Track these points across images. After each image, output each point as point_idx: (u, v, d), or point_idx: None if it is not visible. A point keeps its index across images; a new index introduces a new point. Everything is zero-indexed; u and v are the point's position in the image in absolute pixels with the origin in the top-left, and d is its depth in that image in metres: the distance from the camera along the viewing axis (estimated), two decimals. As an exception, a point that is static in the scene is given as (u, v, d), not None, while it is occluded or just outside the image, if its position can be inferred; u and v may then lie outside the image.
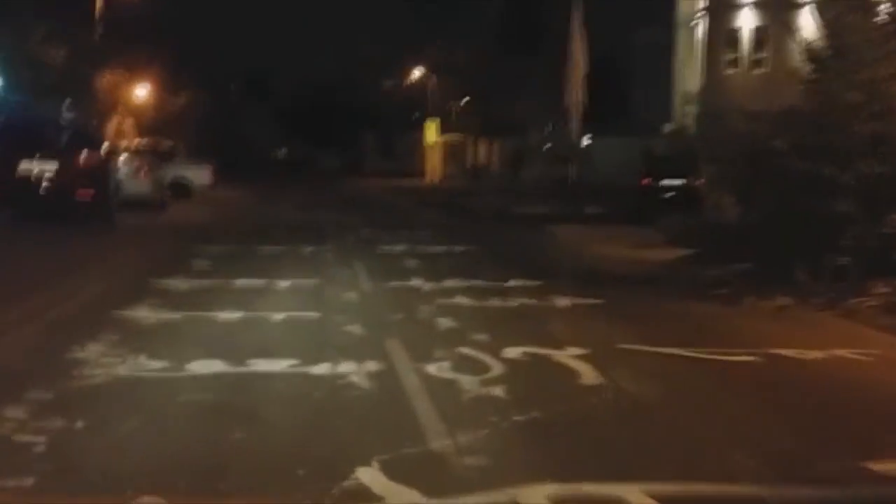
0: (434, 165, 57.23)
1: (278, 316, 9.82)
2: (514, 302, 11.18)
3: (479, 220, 26.42)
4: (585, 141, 52.63)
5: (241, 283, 12.17)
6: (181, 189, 31.04)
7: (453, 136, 57.53)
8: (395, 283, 12.52)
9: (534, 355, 8.13)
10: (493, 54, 59.32)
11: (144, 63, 34.84)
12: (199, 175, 31.96)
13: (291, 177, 57.08)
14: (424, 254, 16.36)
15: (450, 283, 12.58)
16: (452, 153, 56.64)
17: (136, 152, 26.11)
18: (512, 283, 12.67)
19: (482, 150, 53.25)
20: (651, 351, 8.46)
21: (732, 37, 55.18)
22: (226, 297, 11.00)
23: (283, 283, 12.17)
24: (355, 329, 9.21)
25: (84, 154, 19.37)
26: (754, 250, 13.69)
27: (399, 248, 17.22)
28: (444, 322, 9.72)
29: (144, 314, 9.75)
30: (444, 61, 61.14)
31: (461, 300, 11.20)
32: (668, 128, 59.67)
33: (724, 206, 16.80)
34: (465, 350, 8.24)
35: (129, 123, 43.35)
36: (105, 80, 30.93)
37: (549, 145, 54.80)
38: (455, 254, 16.75)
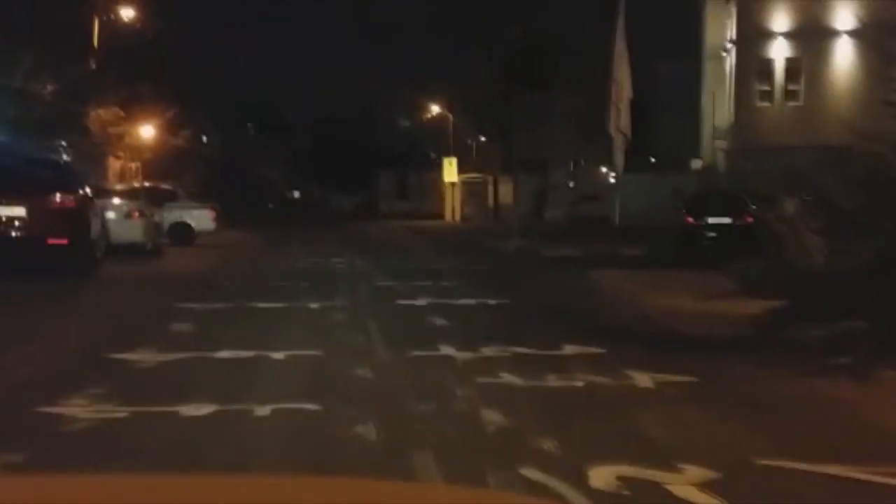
0: (453, 205, 54.69)
1: (262, 410, 7.16)
2: (579, 380, 8.48)
3: (508, 265, 23.76)
4: (611, 178, 50.13)
5: (224, 355, 9.52)
6: (181, 234, 28.56)
7: (472, 175, 55.08)
8: (419, 353, 9.84)
9: (637, 483, 5.43)
10: (508, 90, 57.14)
11: (142, 100, 32.46)
12: (201, 218, 29.43)
13: (303, 219, 54.67)
14: (452, 309, 13.70)
15: (489, 350, 9.91)
16: (471, 192, 54.12)
17: (127, 193, 23.60)
18: (568, 349, 9.98)
19: (503, 188, 50.72)
20: (808, 471, 5.73)
21: (765, 68, 52.63)
22: (199, 380, 8.36)
23: (278, 356, 9.51)
24: (369, 433, 6.53)
25: (58, 196, 16.83)
26: (864, 302, 10.99)
27: (421, 301, 14.56)
28: (492, 417, 7.02)
29: (76, 411, 7.08)
30: (461, 97, 58.90)
31: (508, 378, 8.52)
32: (696, 164, 57.07)
33: (808, 248, 14.09)
34: (531, 473, 5.56)
35: (134, 165, 41.17)
36: (97, 117, 28.49)
37: (572, 183, 52.21)
38: (489, 308, 14.07)
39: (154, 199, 26.19)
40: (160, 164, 45.55)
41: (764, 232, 26.61)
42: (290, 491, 2.14)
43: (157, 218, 25.21)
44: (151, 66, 34.16)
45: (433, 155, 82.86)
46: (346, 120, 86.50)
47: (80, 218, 17.19)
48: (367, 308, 13.90)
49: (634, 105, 61.46)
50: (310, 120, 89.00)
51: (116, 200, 22.72)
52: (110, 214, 21.97)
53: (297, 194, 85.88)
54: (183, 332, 11.11)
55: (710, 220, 26.33)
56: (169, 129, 36.83)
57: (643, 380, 8.39)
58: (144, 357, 9.34)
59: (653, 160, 64.06)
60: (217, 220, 29.77)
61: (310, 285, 17.07)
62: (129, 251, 22.08)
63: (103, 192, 22.68)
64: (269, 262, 23.13)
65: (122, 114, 30.66)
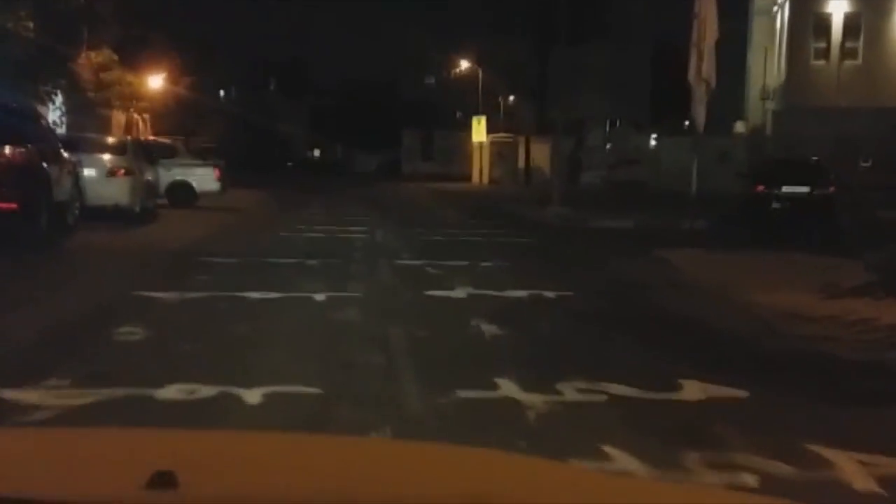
0: (481, 167, 51.15)
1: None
2: (745, 469, 5.02)
3: (554, 238, 20.33)
4: (651, 141, 46.47)
5: (170, 395, 6.17)
6: (181, 195, 25.29)
7: (502, 136, 51.49)
8: (466, 394, 6.44)
9: None
10: (544, 45, 53.42)
11: (143, 45, 29.02)
12: (203, 178, 26.11)
13: (322, 180, 51.38)
14: (501, 306, 10.34)
15: (571, 388, 6.52)
16: (501, 154, 50.52)
17: (111, 147, 20.25)
18: (690, 389, 6.59)
19: (535, 150, 47.15)
20: None
21: (821, 23, 48.58)
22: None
23: (252, 399, 6.16)
24: None
25: (5, 150, 13.51)
26: None
27: (459, 294, 11.19)
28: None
29: None
30: (492, 53, 55.18)
31: (621, 459, 5.12)
32: (739, 127, 53.16)
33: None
34: None
35: (141, 118, 37.89)
36: (87, 60, 25.08)
37: (609, 145, 48.57)
38: (549, 305, 10.69)
39: (147, 154, 22.87)
40: (174, 118, 42.39)
41: (846, 203, 23.18)
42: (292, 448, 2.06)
43: (149, 176, 21.91)
44: (154, 7, 30.71)
45: (458, 114, 79.19)
46: (370, 78, 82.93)
47: (35, 177, 13.89)
48: (389, 302, 10.54)
49: (674, 62, 57.61)
50: (334, 77, 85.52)
51: (97, 155, 19.38)
52: (88, 172, 18.71)
53: (317, 153, 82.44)
54: (123, 347, 7.79)
55: (786, 190, 22.80)
56: (172, 77, 33.32)
57: (852, 470, 4.97)
58: (44, 398, 6.00)
59: (687, 123, 60.07)
60: (222, 179, 26.45)
61: (319, 265, 13.72)
62: (115, 215, 18.86)
63: (80, 145, 19.35)
64: (277, 229, 19.76)
65: (115, 57, 27.20)
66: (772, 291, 11.38)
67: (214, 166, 26.13)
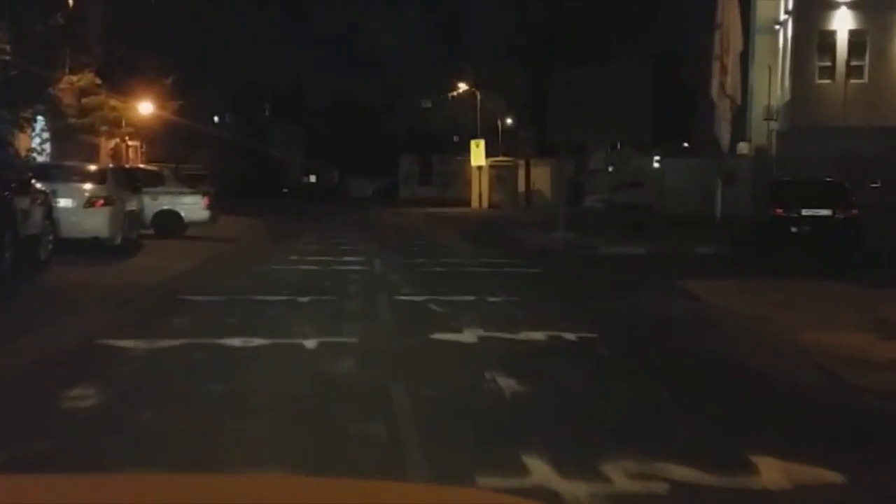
0: (480, 191, 49.89)
1: None
2: None
3: (564, 266, 19.02)
4: (654, 163, 45.27)
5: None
6: (167, 224, 23.90)
7: (501, 159, 50.30)
8: (489, 482, 5.11)
9: None
10: (541, 68, 52.40)
11: (131, 68, 27.77)
12: (192, 207, 24.73)
13: (318, 206, 50.16)
14: (517, 352, 9.03)
15: (621, 475, 5.18)
16: (500, 178, 49.27)
17: (89, 176, 18.93)
18: (770, 474, 5.24)
19: (535, 173, 45.97)
20: None
21: (826, 42, 47.53)
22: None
23: None
24: None
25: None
26: None
27: (468, 337, 9.85)
28: None
29: None
30: (490, 77, 54.15)
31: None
32: (742, 147, 51.91)
33: None
34: None
35: (132, 145, 36.61)
36: (69, 83, 23.80)
37: (611, 167, 47.36)
38: (573, 352, 9.34)
39: (131, 182, 21.56)
40: (165, 144, 41.12)
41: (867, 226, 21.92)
42: (287, 491, 2.11)
43: (132, 206, 20.59)
44: (142, 30, 29.47)
45: (455, 138, 77.98)
46: (366, 101, 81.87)
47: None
48: (390, 350, 9.21)
49: (673, 82, 56.53)
50: (329, 101, 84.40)
51: (74, 184, 18.07)
52: (65, 202, 17.39)
53: (313, 179, 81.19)
54: (66, 419, 6.43)
55: (806, 212, 21.50)
56: (161, 102, 32.03)
57: None
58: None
59: (685, 145, 58.75)
60: (211, 207, 25.08)
61: (311, 303, 12.39)
62: (94, 248, 17.53)
63: (56, 174, 18.07)
64: (267, 261, 18.43)
65: (98, 81, 25.91)
66: (820, 329, 10.07)
67: (204, 194, 24.77)
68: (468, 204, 50.79)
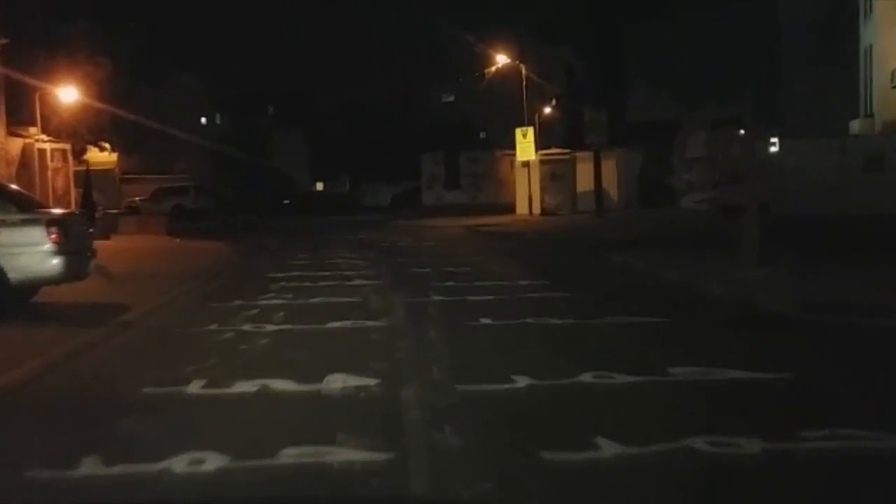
0: (530, 194, 39.75)
1: None
2: None
3: (720, 331, 8.98)
4: (771, 147, 35.06)
5: None
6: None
7: (553, 152, 40.19)
8: None
9: None
10: (601, 30, 42.30)
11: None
12: (27, 252, 13.87)
13: (322, 221, 40.33)
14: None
15: None
16: (553, 176, 39.16)
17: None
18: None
19: (609, 169, 35.87)
20: None
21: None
22: None
23: None
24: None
25: None
26: None
27: None
28: None
29: None
30: (529, 55, 44.18)
31: None
32: (857, 125, 41.78)
33: None
34: None
35: (57, 147, 26.74)
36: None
37: (699, 156, 37.10)
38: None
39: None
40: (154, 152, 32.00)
41: None
42: None
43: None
44: None
45: (483, 134, 67.96)
46: (379, 98, 71.99)
47: None
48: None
49: (764, 52, 45.59)
50: (338, 101, 74.55)
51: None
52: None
53: (320, 186, 71.33)
54: None
55: None
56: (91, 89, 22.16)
57: None
58: None
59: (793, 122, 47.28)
60: (62, 248, 12.87)
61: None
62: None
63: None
64: (174, 369, 8.44)
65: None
66: None
67: (50, 223, 13.15)
68: (511, 210, 40.69)
